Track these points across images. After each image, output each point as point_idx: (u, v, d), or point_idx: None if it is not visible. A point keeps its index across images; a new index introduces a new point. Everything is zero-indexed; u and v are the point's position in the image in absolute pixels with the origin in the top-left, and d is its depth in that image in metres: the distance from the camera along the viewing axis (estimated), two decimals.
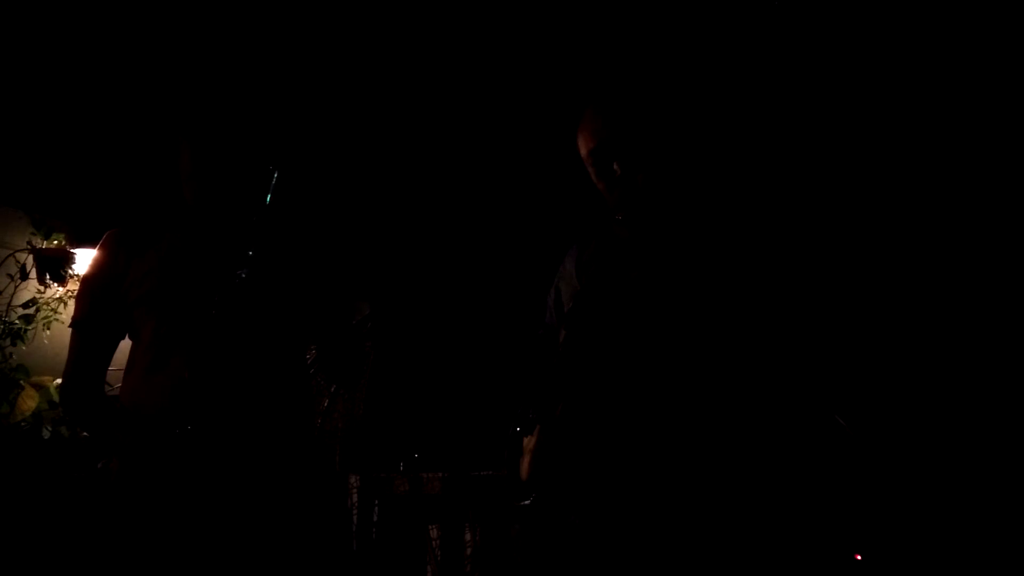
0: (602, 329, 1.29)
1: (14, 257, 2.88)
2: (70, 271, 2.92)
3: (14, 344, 2.75)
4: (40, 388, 2.64)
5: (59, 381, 2.66)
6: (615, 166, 1.32)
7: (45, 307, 2.89)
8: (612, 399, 1.26)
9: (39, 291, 2.89)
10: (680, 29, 2.65)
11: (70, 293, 2.96)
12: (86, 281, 1.41)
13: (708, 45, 2.70)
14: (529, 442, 1.32)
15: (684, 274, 1.29)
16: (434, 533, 2.96)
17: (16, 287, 2.87)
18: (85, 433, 2.60)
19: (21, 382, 2.62)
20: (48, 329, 2.88)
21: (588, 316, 1.31)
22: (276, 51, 2.72)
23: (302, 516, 1.29)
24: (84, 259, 3.00)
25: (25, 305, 2.85)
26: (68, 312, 2.93)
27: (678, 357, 1.24)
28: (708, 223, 1.36)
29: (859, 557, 1.78)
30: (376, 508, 3.07)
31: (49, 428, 2.57)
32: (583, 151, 1.39)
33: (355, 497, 3.02)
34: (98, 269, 1.39)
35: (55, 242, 2.95)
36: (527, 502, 1.27)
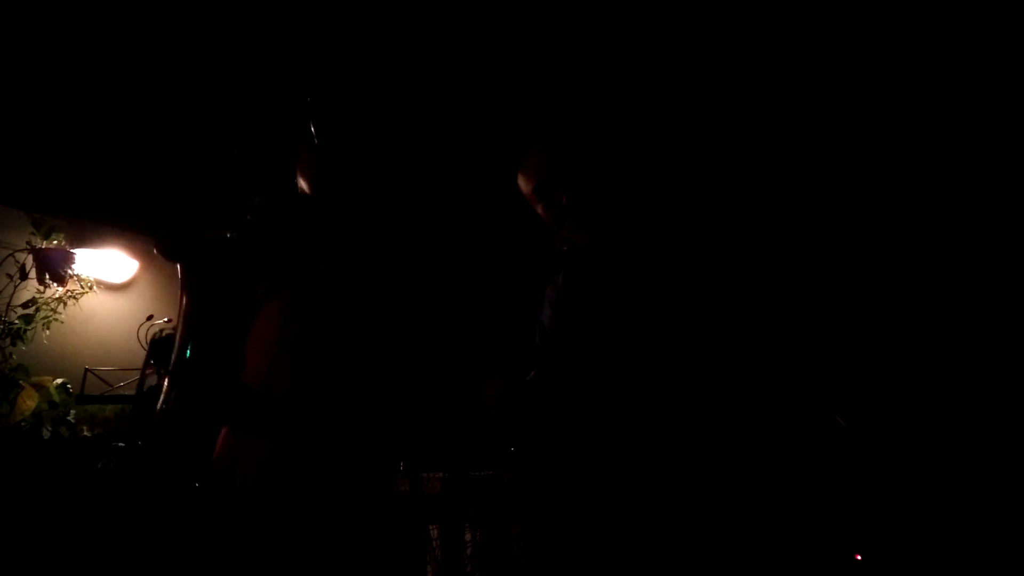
0: (580, 345, 1.35)
1: (14, 257, 2.87)
2: (70, 271, 2.91)
3: (14, 344, 2.75)
4: (40, 388, 2.63)
5: (59, 381, 2.66)
6: (561, 196, 1.42)
7: (45, 307, 2.88)
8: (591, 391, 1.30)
9: (39, 291, 2.89)
10: (611, 55, 2.67)
11: (70, 293, 2.95)
12: None
13: (636, 69, 2.71)
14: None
15: (658, 283, 1.35)
16: (434, 533, 2.96)
17: (16, 287, 2.86)
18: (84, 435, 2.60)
19: (21, 382, 2.61)
20: (48, 329, 2.87)
21: (564, 335, 1.37)
22: (278, 52, 2.73)
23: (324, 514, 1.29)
24: (84, 259, 2.99)
25: (25, 305, 2.84)
26: (68, 312, 2.93)
27: (673, 365, 1.25)
28: (672, 233, 1.44)
29: (859, 557, 1.78)
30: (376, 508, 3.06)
31: (49, 428, 2.56)
32: (527, 189, 1.51)
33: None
34: None
35: (55, 242, 2.94)
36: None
